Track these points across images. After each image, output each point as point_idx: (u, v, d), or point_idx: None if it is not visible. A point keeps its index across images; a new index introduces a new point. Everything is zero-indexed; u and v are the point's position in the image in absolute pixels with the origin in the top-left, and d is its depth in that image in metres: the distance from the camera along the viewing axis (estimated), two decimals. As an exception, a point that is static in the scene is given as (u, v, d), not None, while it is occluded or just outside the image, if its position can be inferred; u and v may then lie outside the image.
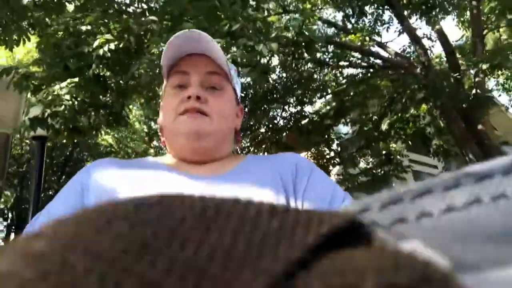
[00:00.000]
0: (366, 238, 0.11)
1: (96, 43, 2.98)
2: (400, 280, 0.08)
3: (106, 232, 0.09)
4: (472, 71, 4.72)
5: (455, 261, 0.10)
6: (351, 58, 5.96)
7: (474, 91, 4.90)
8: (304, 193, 0.63)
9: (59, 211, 0.59)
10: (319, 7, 6.45)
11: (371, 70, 5.88)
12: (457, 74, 4.70)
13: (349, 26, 5.89)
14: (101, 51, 2.92)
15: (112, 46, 2.94)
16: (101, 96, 3.44)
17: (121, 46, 3.07)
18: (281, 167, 0.67)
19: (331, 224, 0.10)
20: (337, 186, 0.67)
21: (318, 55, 5.30)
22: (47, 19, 3.58)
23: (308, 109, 6.66)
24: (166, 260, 0.08)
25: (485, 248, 0.10)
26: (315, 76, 6.30)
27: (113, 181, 0.61)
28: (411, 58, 5.66)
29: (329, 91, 6.40)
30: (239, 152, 0.82)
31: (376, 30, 6.11)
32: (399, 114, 5.56)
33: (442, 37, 5.21)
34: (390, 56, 5.47)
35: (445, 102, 4.41)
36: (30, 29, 3.61)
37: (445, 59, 5.52)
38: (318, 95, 6.45)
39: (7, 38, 3.45)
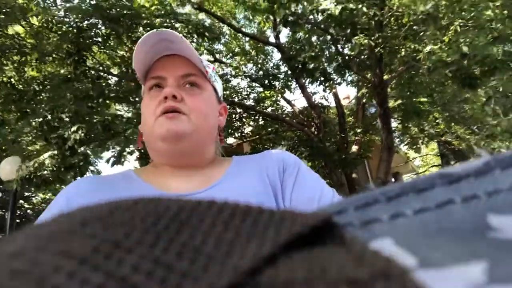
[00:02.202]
0: (339, 237, 0.11)
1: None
2: (360, 275, 0.08)
3: (79, 232, 0.10)
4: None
5: (421, 258, 0.10)
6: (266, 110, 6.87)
7: (354, 147, 6.10)
8: (293, 192, 0.62)
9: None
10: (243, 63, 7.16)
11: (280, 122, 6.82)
12: (343, 134, 5.70)
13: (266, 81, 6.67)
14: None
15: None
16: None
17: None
18: (268, 167, 0.65)
19: (304, 224, 0.11)
20: (324, 183, 0.66)
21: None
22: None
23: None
24: (135, 257, 0.09)
25: (452, 246, 0.11)
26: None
27: (93, 200, 0.54)
28: (310, 118, 6.51)
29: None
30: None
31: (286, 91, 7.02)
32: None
33: (336, 99, 6.20)
34: (295, 112, 6.26)
35: (325, 160, 5.62)
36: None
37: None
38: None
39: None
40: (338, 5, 4.48)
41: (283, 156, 0.69)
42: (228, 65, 6.98)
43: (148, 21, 4.41)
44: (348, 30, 4.85)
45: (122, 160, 4.99)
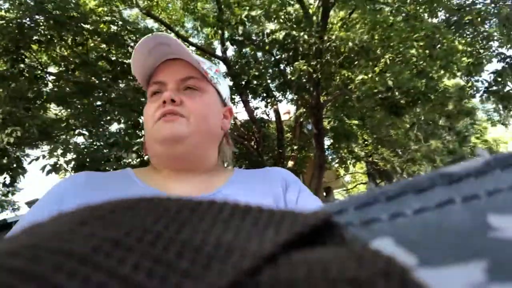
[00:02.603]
0: (339, 237, 0.11)
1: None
2: (361, 274, 0.08)
3: (80, 231, 0.10)
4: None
5: (421, 257, 0.10)
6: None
7: (290, 162, 6.41)
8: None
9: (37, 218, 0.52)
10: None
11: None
12: (280, 149, 5.89)
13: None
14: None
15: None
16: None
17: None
18: (272, 182, 0.65)
19: (304, 223, 0.11)
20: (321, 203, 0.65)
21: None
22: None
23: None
24: (136, 256, 0.09)
25: (452, 245, 0.11)
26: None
27: (88, 199, 0.55)
28: (250, 132, 6.63)
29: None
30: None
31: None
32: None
33: (277, 115, 6.41)
34: (236, 125, 6.31)
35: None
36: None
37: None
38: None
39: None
40: (282, 31, 4.76)
41: (285, 173, 0.69)
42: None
43: (95, 27, 4.31)
44: (291, 53, 5.14)
45: (58, 168, 4.59)
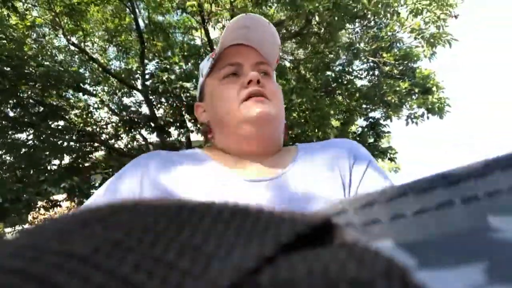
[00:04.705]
0: (339, 238, 0.11)
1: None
2: (361, 275, 0.08)
3: (80, 233, 0.10)
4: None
5: (421, 258, 0.10)
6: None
7: None
8: (359, 186, 0.58)
9: (119, 190, 0.56)
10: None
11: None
12: None
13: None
14: None
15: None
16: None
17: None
18: (338, 155, 0.62)
19: (305, 224, 0.11)
20: (391, 183, 0.61)
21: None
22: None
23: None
24: (136, 256, 0.09)
25: (453, 246, 0.11)
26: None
27: (172, 179, 0.57)
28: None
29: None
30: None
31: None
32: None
33: (188, 141, 6.37)
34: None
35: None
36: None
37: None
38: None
39: None
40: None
41: (353, 146, 0.65)
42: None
43: (32, 71, 4.19)
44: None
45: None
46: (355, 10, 4.45)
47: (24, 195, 4.24)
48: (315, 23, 4.77)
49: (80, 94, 5.28)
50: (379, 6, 4.49)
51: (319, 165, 0.61)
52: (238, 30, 0.64)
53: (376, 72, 5.65)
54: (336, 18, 4.34)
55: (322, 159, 0.62)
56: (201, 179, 0.58)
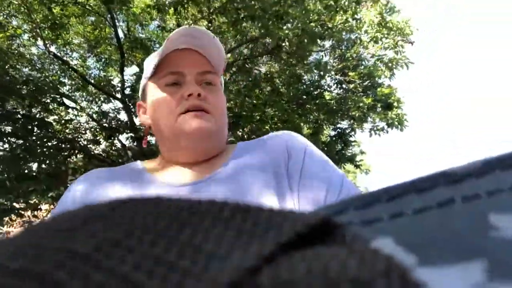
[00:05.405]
0: (339, 237, 0.11)
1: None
2: (361, 274, 0.08)
3: (81, 231, 0.10)
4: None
5: (421, 257, 0.10)
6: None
7: None
8: (300, 181, 0.56)
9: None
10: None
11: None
12: None
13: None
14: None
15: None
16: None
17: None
18: (273, 152, 0.61)
19: (305, 223, 0.11)
20: (333, 167, 0.60)
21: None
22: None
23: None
24: (136, 256, 0.09)
25: (453, 245, 0.11)
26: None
27: (98, 196, 0.58)
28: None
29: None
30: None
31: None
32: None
33: None
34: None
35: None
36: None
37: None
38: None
39: None
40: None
41: (288, 139, 0.64)
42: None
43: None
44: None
45: None
46: (322, 35, 4.84)
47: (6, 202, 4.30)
48: (285, 45, 5.06)
49: (61, 100, 5.29)
50: (343, 33, 4.95)
51: (250, 164, 0.60)
52: (182, 37, 0.62)
53: (344, 86, 6.04)
54: (306, 41, 4.68)
55: (257, 158, 0.61)
56: (123, 189, 0.58)
